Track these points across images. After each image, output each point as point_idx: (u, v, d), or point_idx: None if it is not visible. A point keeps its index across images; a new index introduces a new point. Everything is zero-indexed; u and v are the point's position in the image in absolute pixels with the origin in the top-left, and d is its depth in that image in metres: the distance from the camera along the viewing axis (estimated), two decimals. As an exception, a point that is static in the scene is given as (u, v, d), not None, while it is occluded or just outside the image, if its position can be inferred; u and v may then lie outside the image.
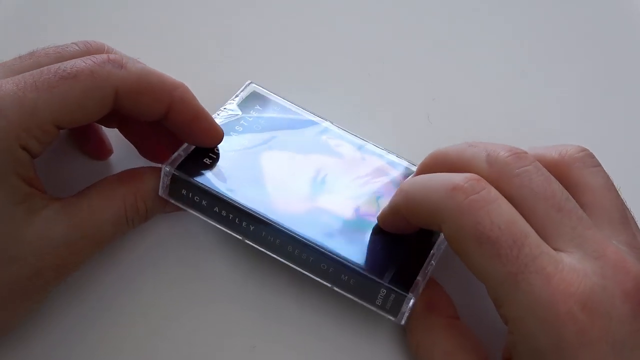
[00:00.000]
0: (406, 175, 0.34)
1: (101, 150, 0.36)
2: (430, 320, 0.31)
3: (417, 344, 0.31)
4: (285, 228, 0.31)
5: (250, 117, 0.35)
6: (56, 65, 0.29)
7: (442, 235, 0.31)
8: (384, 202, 0.32)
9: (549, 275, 0.25)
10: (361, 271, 0.30)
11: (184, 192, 0.32)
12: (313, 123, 0.35)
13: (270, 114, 0.35)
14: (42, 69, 0.29)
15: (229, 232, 0.32)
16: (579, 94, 0.39)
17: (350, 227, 0.32)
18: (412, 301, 0.29)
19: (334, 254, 0.30)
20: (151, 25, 0.38)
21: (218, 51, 0.40)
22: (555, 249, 0.26)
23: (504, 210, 0.26)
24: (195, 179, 0.32)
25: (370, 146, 0.35)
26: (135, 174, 0.32)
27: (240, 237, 0.32)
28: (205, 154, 0.33)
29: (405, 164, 0.34)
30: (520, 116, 0.34)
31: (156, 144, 0.35)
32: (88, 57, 0.30)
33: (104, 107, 0.30)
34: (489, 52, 0.39)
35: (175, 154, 0.32)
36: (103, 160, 0.37)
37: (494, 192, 0.27)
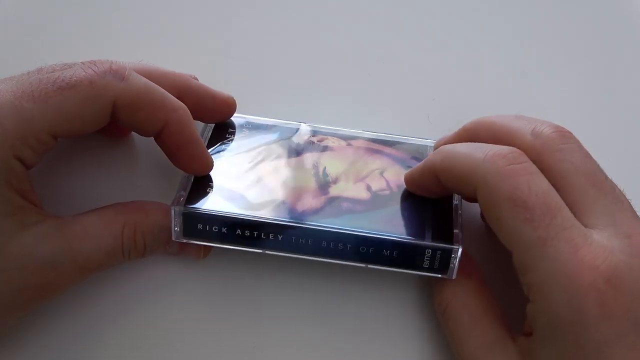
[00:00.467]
0: (394, 145, 0.35)
1: (120, 129, 0.36)
2: (461, 282, 0.31)
3: (446, 306, 0.31)
4: (316, 226, 0.31)
5: (229, 142, 0.35)
6: (55, 75, 0.29)
7: None
8: (390, 174, 0.33)
9: (576, 246, 0.25)
10: (403, 240, 0.30)
11: (199, 226, 0.31)
12: (294, 129, 0.35)
13: (248, 134, 0.35)
14: (41, 78, 0.29)
15: (253, 250, 0.32)
16: (579, 93, 0.39)
17: (371, 205, 0.32)
18: (459, 252, 0.30)
19: (371, 234, 0.30)
20: (151, 25, 0.38)
21: (218, 52, 0.40)
22: (586, 225, 0.27)
23: (542, 182, 0.27)
24: (208, 209, 0.31)
25: (354, 132, 0.35)
26: (139, 206, 0.32)
27: (262, 251, 0.32)
28: (204, 184, 0.32)
29: (388, 137, 0.35)
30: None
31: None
32: (90, 65, 0.29)
33: (101, 117, 0.29)
34: (489, 52, 0.39)
35: (176, 194, 0.31)
36: (124, 138, 0.36)
37: (534, 167, 0.27)
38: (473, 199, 0.29)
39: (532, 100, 0.39)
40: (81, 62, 0.30)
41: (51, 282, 0.29)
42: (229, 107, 0.35)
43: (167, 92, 0.31)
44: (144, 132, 0.31)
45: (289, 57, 0.39)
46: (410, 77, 0.39)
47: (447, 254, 0.30)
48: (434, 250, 0.30)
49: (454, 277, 0.31)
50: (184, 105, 0.31)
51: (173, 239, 0.31)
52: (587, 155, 0.29)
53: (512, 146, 0.28)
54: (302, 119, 0.36)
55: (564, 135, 0.29)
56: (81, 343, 0.33)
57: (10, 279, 0.28)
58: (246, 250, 0.32)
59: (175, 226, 0.31)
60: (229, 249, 0.32)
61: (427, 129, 0.37)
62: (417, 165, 0.32)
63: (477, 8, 0.39)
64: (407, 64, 0.39)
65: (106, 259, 0.30)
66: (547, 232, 0.26)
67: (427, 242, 0.30)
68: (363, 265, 0.31)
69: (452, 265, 0.30)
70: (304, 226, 0.31)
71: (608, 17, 0.40)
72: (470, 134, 0.31)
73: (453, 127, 0.33)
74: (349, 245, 0.31)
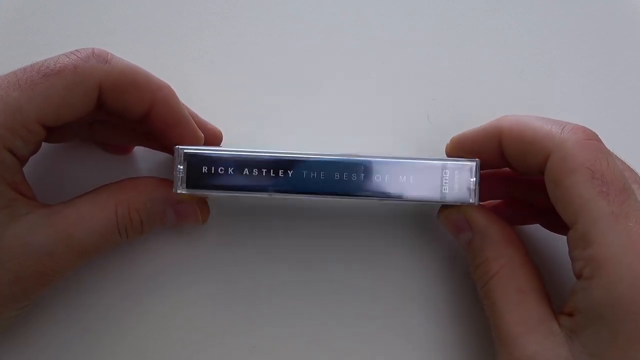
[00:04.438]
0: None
1: (123, 146, 0.35)
2: (509, 253, 0.30)
3: (492, 275, 0.29)
4: (328, 155, 0.30)
5: None
6: (39, 63, 0.29)
7: None
8: None
9: None
10: (419, 161, 0.29)
11: (204, 170, 0.30)
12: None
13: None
14: (25, 67, 0.29)
15: (260, 195, 0.30)
16: (579, 93, 0.39)
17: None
18: (477, 164, 0.29)
19: (386, 158, 0.29)
20: (152, 25, 0.38)
21: (218, 53, 0.40)
22: None
23: (618, 163, 0.27)
24: (215, 148, 0.30)
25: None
26: (130, 183, 0.31)
27: (269, 195, 0.30)
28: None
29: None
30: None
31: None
32: (72, 51, 0.29)
33: (88, 102, 0.29)
34: (489, 51, 0.39)
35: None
36: (127, 155, 0.36)
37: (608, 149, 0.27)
38: (533, 171, 0.28)
39: (532, 100, 0.39)
40: (64, 52, 0.30)
41: (49, 270, 0.29)
42: (215, 138, 0.34)
43: (151, 73, 0.30)
44: (131, 114, 0.31)
45: (287, 57, 0.39)
46: (410, 77, 0.39)
47: (466, 171, 0.29)
48: (452, 170, 0.29)
49: (473, 200, 0.30)
50: (168, 84, 0.31)
51: (175, 190, 0.30)
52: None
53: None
54: (300, 120, 0.36)
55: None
56: (79, 342, 0.33)
57: (7, 270, 0.28)
58: (253, 197, 0.31)
59: (178, 174, 0.30)
60: (235, 196, 0.31)
61: (427, 129, 0.37)
62: (465, 132, 0.31)
63: (477, 8, 0.39)
64: (407, 64, 0.39)
65: (103, 240, 0.30)
66: (620, 208, 0.26)
67: (444, 160, 0.29)
68: (377, 199, 0.29)
69: (471, 187, 0.29)
70: (317, 158, 0.29)
71: (608, 16, 0.40)
72: (495, 131, 0.30)
73: (453, 127, 0.33)
74: (362, 175, 0.29)
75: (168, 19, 0.38)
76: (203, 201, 0.32)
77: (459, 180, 0.30)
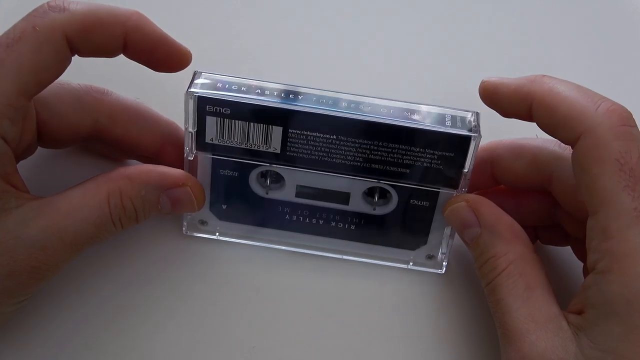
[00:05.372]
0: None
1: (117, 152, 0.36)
2: (517, 250, 0.29)
3: (500, 271, 0.29)
4: (332, 91, 0.31)
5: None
6: (0, 38, 0.28)
7: None
8: None
9: None
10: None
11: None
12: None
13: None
14: None
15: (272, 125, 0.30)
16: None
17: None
18: (478, 135, 0.30)
19: (390, 99, 0.30)
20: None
21: (216, 52, 0.40)
22: None
23: None
24: (228, 93, 0.30)
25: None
26: (121, 172, 0.31)
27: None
28: None
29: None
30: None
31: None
32: (28, 15, 0.28)
33: (62, 57, 0.29)
34: (488, 51, 0.39)
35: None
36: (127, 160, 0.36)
37: None
38: (561, 138, 0.28)
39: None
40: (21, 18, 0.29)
41: (42, 263, 0.28)
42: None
43: (113, 6, 0.30)
44: (110, 53, 0.30)
45: (287, 57, 0.39)
46: (410, 77, 0.39)
47: (467, 141, 0.30)
48: (451, 137, 0.30)
49: (467, 169, 0.30)
50: (135, 10, 0.30)
51: (190, 150, 0.31)
52: None
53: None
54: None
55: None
56: (78, 342, 0.33)
57: None
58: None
59: (190, 116, 0.30)
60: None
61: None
62: (503, 81, 0.30)
63: (476, 8, 0.39)
64: (408, 65, 0.39)
65: (96, 231, 0.29)
66: None
67: (446, 130, 0.30)
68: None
69: (469, 156, 0.30)
70: (319, 90, 0.30)
71: (608, 16, 0.40)
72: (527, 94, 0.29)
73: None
74: (369, 108, 0.30)
75: (168, 17, 0.38)
76: (198, 186, 0.32)
77: (461, 120, 0.30)
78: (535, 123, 0.29)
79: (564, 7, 0.40)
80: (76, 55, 0.29)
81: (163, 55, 0.31)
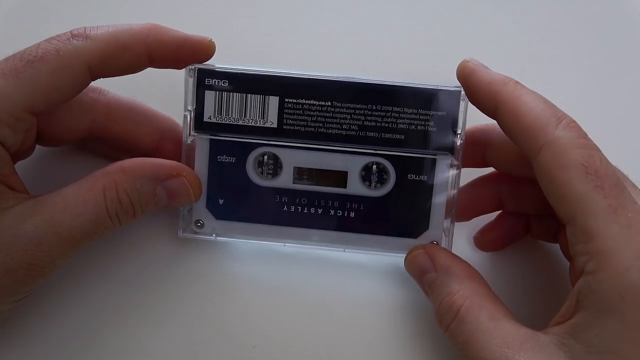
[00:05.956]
0: None
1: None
2: (471, 286, 0.30)
3: (457, 310, 0.29)
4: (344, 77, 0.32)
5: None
6: (21, 51, 0.29)
7: None
8: None
9: None
10: (415, 85, 0.32)
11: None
12: None
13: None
14: (7, 57, 0.29)
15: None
16: (579, 93, 0.39)
17: None
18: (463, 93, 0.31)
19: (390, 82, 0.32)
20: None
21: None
22: None
23: (610, 163, 0.27)
24: (230, 66, 0.31)
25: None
26: (116, 166, 0.31)
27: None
28: None
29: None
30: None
31: None
32: (53, 37, 0.29)
33: (79, 83, 0.29)
34: (488, 52, 0.39)
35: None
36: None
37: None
38: (522, 146, 0.28)
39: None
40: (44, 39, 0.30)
41: (38, 259, 0.28)
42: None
43: (130, 25, 0.30)
44: (136, 70, 0.31)
45: (288, 57, 0.39)
46: (410, 77, 0.39)
47: (457, 96, 0.31)
48: (442, 92, 0.31)
49: (460, 123, 0.31)
50: (151, 23, 0.31)
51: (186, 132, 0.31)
52: None
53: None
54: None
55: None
56: (77, 341, 0.33)
57: None
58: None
59: (188, 103, 0.31)
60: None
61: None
62: (482, 69, 0.31)
63: (476, 8, 0.39)
64: (407, 65, 0.39)
65: (93, 226, 0.29)
66: (617, 201, 0.26)
67: (436, 86, 0.31)
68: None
69: (458, 112, 0.31)
70: (341, 79, 0.31)
71: (608, 16, 0.40)
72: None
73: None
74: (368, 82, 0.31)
75: (168, 16, 0.38)
76: (193, 176, 0.32)
77: (449, 100, 0.31)
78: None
79: (563, 7, 0.40)
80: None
81: (187, 55, 0.31)
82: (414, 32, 0.39)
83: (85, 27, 0.29)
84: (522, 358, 0.26)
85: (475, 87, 0.30)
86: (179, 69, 0.32)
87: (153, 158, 0.31)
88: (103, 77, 0.30)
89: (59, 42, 0.29)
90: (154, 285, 0.34)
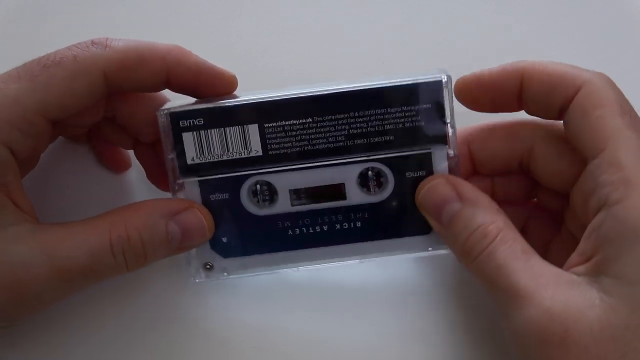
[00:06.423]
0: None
1: (119, 163, 0.35)
2: (505, 219, 0.29)
3: (494, 237, 0.28)
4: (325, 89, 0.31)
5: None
6: (40, 57, 0.28)
7: None
8: None
9: None
10: (395, 84, 0.30)
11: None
12: None
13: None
14: (26, 62, 0.28)
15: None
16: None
17: None
18: (446, 78, 0.30)
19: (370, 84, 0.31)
20: (152, 23, 0.38)
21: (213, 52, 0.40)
22: None
23: None
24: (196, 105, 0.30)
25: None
26: (127, 206, 0.30)
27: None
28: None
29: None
30: (521, 116, 0.34)
31: (165, 171, 0.33)
32: (72, 45, 0.29)
33: (94, 91, 0.29)
34: (488, 51, 0.39)
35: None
36: (121, 173, 0.35)
37: None
38: (553, 109, 0.29)
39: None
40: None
41: (23, 284, 0.27)
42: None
43: (152, 42, 0.30)
44: (153, 88, 0.30)
45: (289, 56, 0.39)
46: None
47: (438, 85, 0.30)
48: (425, 84, 0.30)
49: (449, 118, 0.31)
50: (175, 44, 0.30)
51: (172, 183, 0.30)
52: None
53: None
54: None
55: None
56: (80, 340, 0.33)
57: None
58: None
59: (167, 151, 0.30)
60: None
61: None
62: (484, 69, 0.31)
63: (476, 8, 0.39)
64: (407, 65, 0.39)
65: (90, 260, 0.27)
66: None
67: (419, 79, 0.30)
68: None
69: (442, 101, 0.30)
70: (315, 92, 0.30)
71: (608, 16, 0.40)
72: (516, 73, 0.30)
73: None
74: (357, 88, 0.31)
75: (168, 16, 0.38)
76: (204, 209, 0.31)
77: (431, 91, 0.31)
78: (522, 106, 0.30)
79: (564, 7, 0.40)
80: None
81: (207, 85, 0.31)
82: (414, 31, 0.39)
83: (107, 38, 0.29)
84: (557, 290, 0.25)
85: (488, 84, 0.30)
86: (197, 98, 0.31)
87: (161, 199, 0.31)
88: (119, 90, 0.30)
89: (77, 49, 0.28)
90: (153, 284, 0.34)
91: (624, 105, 0.27)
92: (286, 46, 0.38)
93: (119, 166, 0.35)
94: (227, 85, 0.31)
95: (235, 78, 0.31)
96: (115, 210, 0.29)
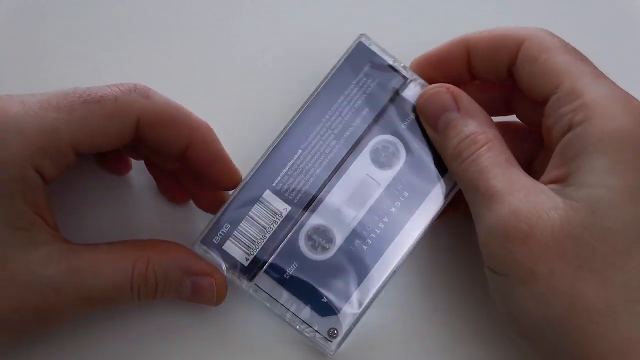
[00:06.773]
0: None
1: (120, 166, 0.35)
2: (494, 131, 0.30)
3: (481, 143, 0.30)
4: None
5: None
6: (81, 89, 0.29)
7: None
8: None
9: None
10: (330, 77, 0.32)
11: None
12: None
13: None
14: (67, 91, 0.29)
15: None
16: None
17: None
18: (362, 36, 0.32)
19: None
20: (153, 23, 0.38)
21: (220, 46, 0.40)
22: None
23: None
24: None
25: None
26: (154, 243, 0.31)
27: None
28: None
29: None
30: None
31: (176, 184, 0.34)
32: (115, 85, 0.29)
33: (125, 134, 0.29)
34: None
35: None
36: (122, 176, 0.35)
37: None
38: (502, 69, 0.31)
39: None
40: (107, 85, 0.30)
41: (52, 306, 0.28)
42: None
43: (190, 111, 0.31)
44: (170, 150, 0.31)
45: (290, 55, 0.39)
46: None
47: (358, 45, 0.32)
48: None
49: (389, 61, 0.32)
50: (207, 123, 0.31)
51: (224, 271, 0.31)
52: None
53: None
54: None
55: None
56: (80, 343, 0.32)
57: (9, 295, 0.27)
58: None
59: (222, 267, 0.31)
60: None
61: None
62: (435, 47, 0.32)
63: (474, 7, 0.39)
64: (407, 63, 0.39)
65: (113, 292, 0.29)
66: (596, 71, 0.29)
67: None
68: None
69: None
70: (284, 129, 0.31)
71: (608, 16, 0.40)
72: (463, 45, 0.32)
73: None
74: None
75: (168, 16, 0.38)
76: (223, 282, 0.31)
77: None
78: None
79: (564, 7, 0.40)
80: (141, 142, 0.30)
81: (217, 173, 0.31)
82: (414, 31, 0.39)
83: (149, 88, 0.30)
84: (528, 195, 0.27)
85: (438, 58, 0.32)
86: (199, 182, 0.33)
87: (190, 250, 0.31)
88: (142, 142, 0.30)
89: (119, 90, 0.29)
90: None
91: (568, 46, 0.29)
92: (286, 46, 0.38)
93: (120, 169, 0.36)
94: (231, 183, 0.32)
95: (241, 177, 0.32)
96: (140, 244, 0.30)
